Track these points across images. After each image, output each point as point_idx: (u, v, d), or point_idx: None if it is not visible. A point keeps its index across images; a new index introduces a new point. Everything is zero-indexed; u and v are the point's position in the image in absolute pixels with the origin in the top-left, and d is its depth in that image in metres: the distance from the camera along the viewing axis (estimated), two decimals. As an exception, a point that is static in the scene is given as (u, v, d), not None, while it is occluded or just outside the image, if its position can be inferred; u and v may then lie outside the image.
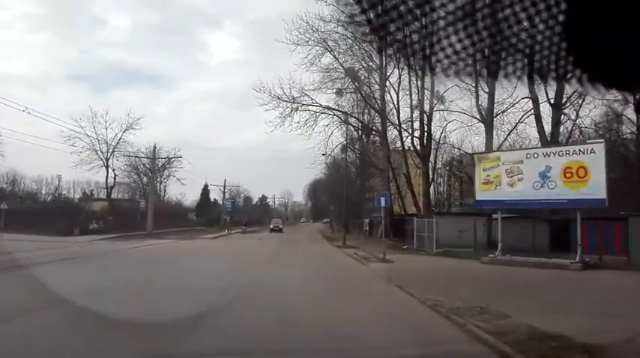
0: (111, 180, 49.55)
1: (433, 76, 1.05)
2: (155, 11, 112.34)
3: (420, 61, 1.05)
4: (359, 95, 35.51)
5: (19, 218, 36.00)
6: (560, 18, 0.95)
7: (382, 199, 20.19)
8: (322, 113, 35.17)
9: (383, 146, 36.49)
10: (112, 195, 53.18)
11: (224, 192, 63.94)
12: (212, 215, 65.46)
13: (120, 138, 48.07)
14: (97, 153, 46.99)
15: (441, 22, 0.98)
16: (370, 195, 46.48)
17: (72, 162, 45.57)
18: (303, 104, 34.09)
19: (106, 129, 47.88)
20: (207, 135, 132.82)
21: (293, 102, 33.85)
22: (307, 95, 33.76)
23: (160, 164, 59.46)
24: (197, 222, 64.02)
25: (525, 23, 0.97)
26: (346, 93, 36.01)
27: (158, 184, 60.29)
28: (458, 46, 1.00)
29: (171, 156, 58.21)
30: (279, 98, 33.53)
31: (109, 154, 47.68)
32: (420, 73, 1.07)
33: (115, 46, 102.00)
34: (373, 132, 38.67)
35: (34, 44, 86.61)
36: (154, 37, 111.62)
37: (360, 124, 36.92)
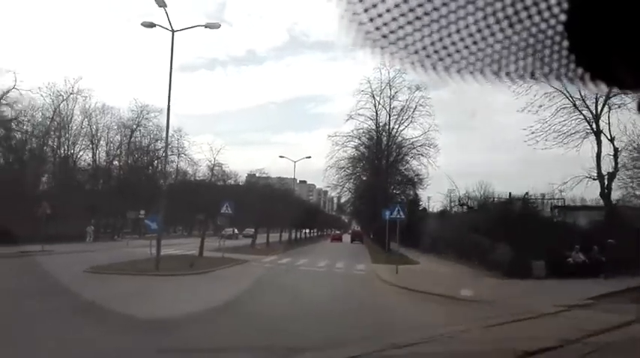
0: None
1: (433, 73, 1.02)
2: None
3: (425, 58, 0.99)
4: None
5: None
6: (562, 16, 0.93)
7: None
8: None
9: None
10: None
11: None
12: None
13: None
14: None
15: (443, 21, 0.95)
16: None
17: None
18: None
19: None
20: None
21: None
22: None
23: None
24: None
25: (527, 21, 0.94)
26: None
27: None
28: (460, 44, 0.98)
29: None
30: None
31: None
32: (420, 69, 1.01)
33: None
34: None
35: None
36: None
37: None
